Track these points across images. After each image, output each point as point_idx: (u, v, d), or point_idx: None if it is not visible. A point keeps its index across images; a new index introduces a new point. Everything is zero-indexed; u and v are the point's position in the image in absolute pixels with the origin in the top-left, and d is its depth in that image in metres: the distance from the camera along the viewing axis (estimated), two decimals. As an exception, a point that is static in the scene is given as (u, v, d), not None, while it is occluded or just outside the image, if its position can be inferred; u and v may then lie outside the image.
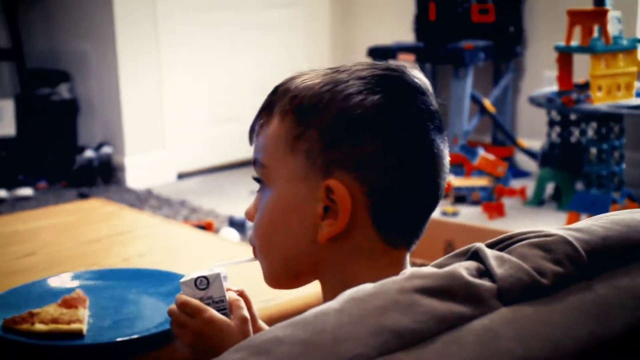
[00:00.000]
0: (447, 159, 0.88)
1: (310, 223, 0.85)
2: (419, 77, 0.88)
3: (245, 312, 0.99)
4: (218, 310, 0.98)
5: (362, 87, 0.84)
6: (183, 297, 0.99)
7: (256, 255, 0.94)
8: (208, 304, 0.98)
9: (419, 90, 0.86)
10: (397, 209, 0.84)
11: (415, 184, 0.85)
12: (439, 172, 0.87)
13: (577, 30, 3.40)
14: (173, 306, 1.00)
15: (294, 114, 0.85)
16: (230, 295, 1.01)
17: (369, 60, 4.78)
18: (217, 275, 0.99)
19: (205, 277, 0.99)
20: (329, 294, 0.88)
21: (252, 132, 0.92)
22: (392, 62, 0.89)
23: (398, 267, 0.85)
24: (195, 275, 0.99)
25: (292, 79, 0.89)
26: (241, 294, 1.03)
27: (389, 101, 0.84)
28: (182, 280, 1.00)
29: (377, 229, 0.84)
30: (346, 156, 0.83)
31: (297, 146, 0.85)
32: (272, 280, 0.93)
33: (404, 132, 0.84)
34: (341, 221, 0.83)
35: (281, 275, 0.92)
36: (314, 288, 0.93)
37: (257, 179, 0.92)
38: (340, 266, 0.86)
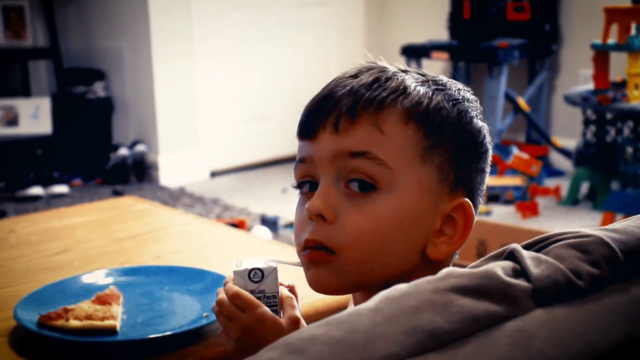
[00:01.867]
0: None
1: (424, 237, 0.84)
2: None
3: (297, 313, 0.94)
4: (268, 307, 0.92)
5: (474, 110, 0.88)
6: (235, 288, 0.92)
7: (326, 261, 0.84)
8: (259, 298, 0.92)
9: None
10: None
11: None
12: None
13: (614, 28, 3.36)
14: (223, 296, 0.93)
15: (421, 122, 0.83)
16: (283, 292, 0.95)
17: (403, 60, 4.77)
18: (274, 270, 0.93)
19: (260, 269, 0.93)
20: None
21: (341, 121, 0.83)
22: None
23: None
24: (249, 266, 0.93)
25: (394, 75, 0.85)
26: (292, 289, 0.98)
27: (486, 130, 0.89)
28: (235, 269, 0.93)
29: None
30: (471, 178, 0.86)
31: (430, 158, 0.83)
32: (339, 289, 0.87)
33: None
34: (461, 240, 0.85)
35: (357, 285, 0.85)
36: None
37: (358, 180, 0.83)
38: None
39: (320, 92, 0.88)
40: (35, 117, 4.65)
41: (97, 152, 4.77)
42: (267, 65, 4.96)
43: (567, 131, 4.60)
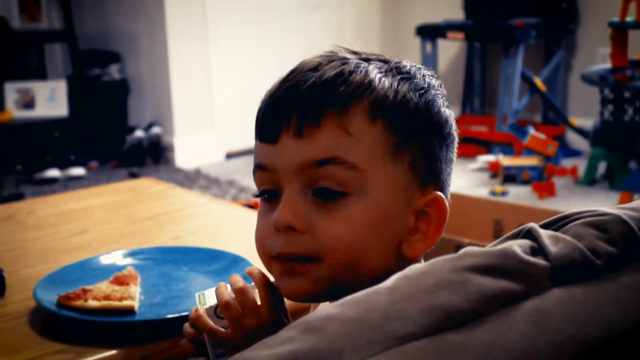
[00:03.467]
0: None
1: (399, 235, 0.80)
2: None
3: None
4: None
5: (440, 98, 0.83)
6: (240, 283, 0.86)
7: (306, 271, 0.79)
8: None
9: None
10: None
11: None
12: None
13: (633, 6, 3.33)
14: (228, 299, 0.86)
15: (389, 119, 0.78)
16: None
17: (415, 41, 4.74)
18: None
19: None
20: None
21: (304, 124, 0.78)
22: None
23: None
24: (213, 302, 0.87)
25: (357, 67, 0.80)
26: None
27: (452, 118, 0.85)
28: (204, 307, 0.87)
29: None
30: (441, 170, 0.83)
31: (400, 154, 0.79)
32: (314, 298, 0.83)
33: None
34: (435, 235, 0.82)
35: (333, 292, 0.80)
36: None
37: (324, 189, 0.78)
38: None
39: (280, 87, 0.82)
40: (51, 99, 4.67)
41: (113, 135, 4.79)
42: (282, 46, 4.95)
43: (584, 111, 4.57)
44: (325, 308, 0.59)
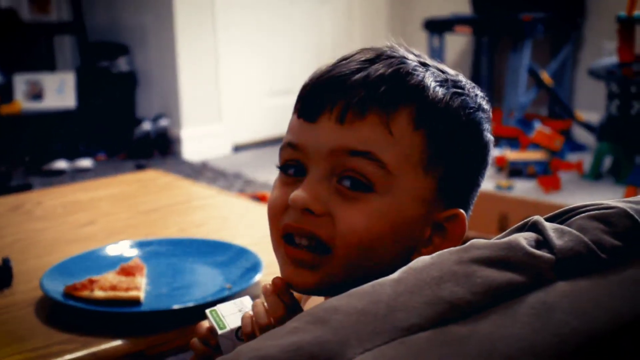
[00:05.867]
0: None
1: (412, 244, 0.79)
2: None
3: None
4: None
5: (487, 122, 0.81)
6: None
7: (314, 264, 0.78)
8: None
9: None
10: None
11: None
12: None
13: (640, 1, 3.32)
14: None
15: (431, 129, 0.77)
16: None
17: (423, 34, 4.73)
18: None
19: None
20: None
21: (348, 112, 0.77)
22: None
23: None
24: (233, 325, 0.84)
25: (414, 70, 0.78)
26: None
27: (491, 144, 0.83)
28: (220, 333, 0.84)
29: None
30: (469, 193, 0.82)
31: (433, 168, 0.78)
32: (317, 291, 0.81)
33: None
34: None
35: (336, 287, 0.75)
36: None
37: (352, 178, 0.77)
38: None
39: (331, 69, 0.80)
40: (60, 91, 4.67)
41: (120, 126, 4.79)
42: (290, 38, 4.94)
43: (591, 105, 4.56)
44: (330, 300, 0.59)
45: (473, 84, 0.83)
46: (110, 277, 1.20)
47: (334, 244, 0.77)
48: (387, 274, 0.72)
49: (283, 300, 0.81)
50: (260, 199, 3.48)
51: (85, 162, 4.47)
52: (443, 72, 0.81)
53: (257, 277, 1.20)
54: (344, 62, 0.80)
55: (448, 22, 4.66)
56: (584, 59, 4.63)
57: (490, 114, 0.83)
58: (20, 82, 4.67)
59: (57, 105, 4.65)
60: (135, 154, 4.67)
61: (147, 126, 4.68)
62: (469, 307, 0.58)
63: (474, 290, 0.59)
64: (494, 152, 4.25)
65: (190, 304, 1.13)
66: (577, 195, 3.66)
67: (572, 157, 4.24)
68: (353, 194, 0.76)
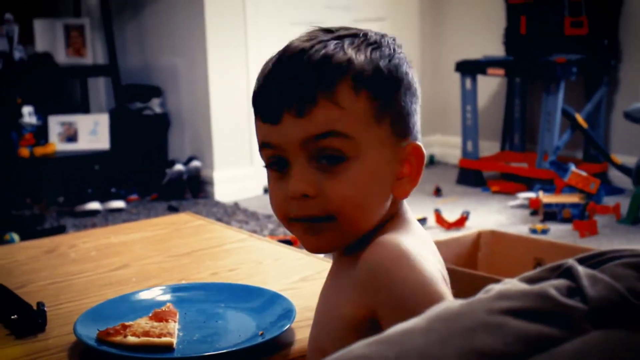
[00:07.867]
0: None
1: (390, 183, 0.94)
2: None
3: None
4: None
5: (404, 59, 0.96)
6: None
7: (328, 227, 0.93)
8: None
9: None
10: None
11: None
12: None
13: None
14: None
15: (368, 88, 0.91)
16: None
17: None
18: None
19: None
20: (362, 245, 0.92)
21: (304, 106, 0.90)
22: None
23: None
24: None
25: (336, 47, 0.92)
26: None
27: (414, 72, 0.97)
28: None
29: None
30: (414, 121, 0.96)
31: (382, 117, 0.92)
32: (338, 247, 0.96)
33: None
34: (417, 176, 0.96)
35: (351, 240, 0.94)
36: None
37: (327, 156, 0.91)
38: (402, 216, 0.98)
39: (274, 71, 0.93)
40: (94, 133, 4.74)
41: (153, 168, 4.83)
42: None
43: (627, 148, 4.52)
44: (357, 347, 0.59)
45: (381, 34, 0.97)
46: (143, 322, 1.19)
47: (337, 212, 0.92)
48: (381, 213, 0.94)
49: None
50: (291, 241, 3.47)
51: (118, 203, 4.51)
52: (355, 35, 0.94)
53: (290, 324, 1.20)
54: (281, 61, 0.94)
55: (481, 64, 4.66)
56: (619, 101, 4.60)
57: (402, 49, 0.97)
58: (55, 124, 4.74)
59: (91, 146, 4.71)
60: (168, 195, 4.70)
61: (179, 167, 4.72)
62: (501, 358, 0.57)
63: (507, 341, 0.58)
64: (528, 194, 4.23)
65: (223, 351, 1.13)
66: (614, 240, 3.61)
67: (609, 201, 4.19)
68: (334, 168, 0.91)
